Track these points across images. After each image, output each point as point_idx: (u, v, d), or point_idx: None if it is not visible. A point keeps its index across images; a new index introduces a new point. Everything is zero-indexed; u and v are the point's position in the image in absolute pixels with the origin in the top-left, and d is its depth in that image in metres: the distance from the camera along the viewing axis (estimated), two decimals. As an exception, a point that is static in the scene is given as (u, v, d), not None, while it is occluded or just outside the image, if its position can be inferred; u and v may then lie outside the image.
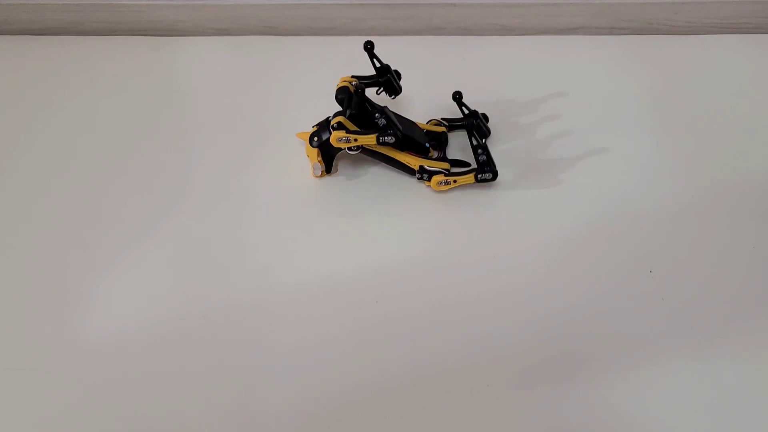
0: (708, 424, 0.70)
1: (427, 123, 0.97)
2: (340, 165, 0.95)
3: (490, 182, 0.90)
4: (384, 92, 0.94)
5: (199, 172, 0.96)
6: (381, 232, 0.88)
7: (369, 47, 0.90)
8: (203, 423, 0.73)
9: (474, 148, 0.91)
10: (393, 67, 0.93)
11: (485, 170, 0.89)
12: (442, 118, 0.98)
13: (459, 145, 0.97)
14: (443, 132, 0.95)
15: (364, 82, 0.92)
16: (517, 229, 0.87)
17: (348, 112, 0.89)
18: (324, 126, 0.90)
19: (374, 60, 0.91)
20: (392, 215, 0.89)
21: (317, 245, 0.87)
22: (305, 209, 0.91)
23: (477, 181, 0.89)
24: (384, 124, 0.87)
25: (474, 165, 0.92)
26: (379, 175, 0.93)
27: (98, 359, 0.78)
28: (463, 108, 0.94)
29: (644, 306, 0.79)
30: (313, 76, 1.04)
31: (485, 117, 0.97)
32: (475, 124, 0.94)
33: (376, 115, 0.87)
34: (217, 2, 1.17)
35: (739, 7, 1.12)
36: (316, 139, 0.90)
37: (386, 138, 0.87)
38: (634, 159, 0.94)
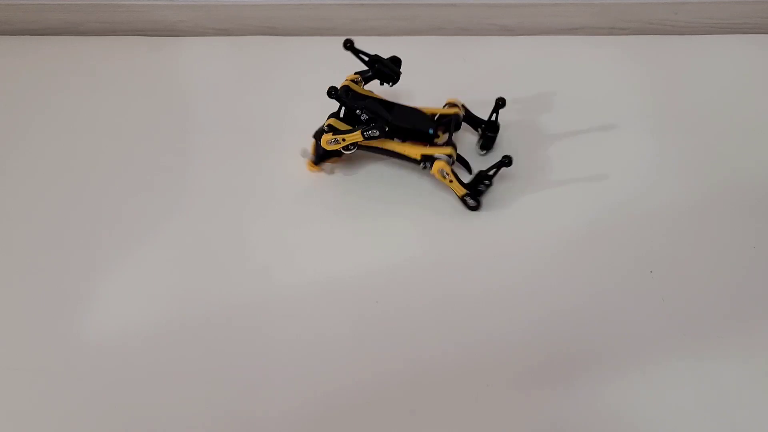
0: (708, 424, 0.70)
1: (444, 106, 0.94)
2: (340, 166, 0.95)
3: (485, 192, 0.89)
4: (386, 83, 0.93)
5: (199, 172, 0.96)
6: (381, 232, 0.88)
7: (349, 45, 0.89)
8: (203, 423, 0.73)
9: (485, 176, 0.88)
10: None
11: (475, 198, 0.88)
12: (462, 105, 0.95)
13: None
14: (455, 114, 0.91)
15: (362, 77, 0.92)
16: (517, 229, 0.87)
17: (341, 111, 0.89)
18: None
19: (360, 56, 0.91)
20: (392, 215, 0.89)
21: (317, 245, 0.87)
22: (305, 209, 0.91)
23: (460, 199, 0.88)
24: (367, 119, 0.87)
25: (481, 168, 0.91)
26: (379, 175, 0.93)
27: (98, 359, 0.78)
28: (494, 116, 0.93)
29: (644, 306, 0.79)
30: (313, 76, 1.04)
31: (496, 127, 0.96)
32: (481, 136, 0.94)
33: (357, 111, 0.87)
34: (217, 2, 1.16)
35: (739, 7, 1.12)
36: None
37: (371, 132, 0.86)
38: (634, 159, 0.94)
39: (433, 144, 0.90)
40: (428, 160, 0.87)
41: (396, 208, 0.90)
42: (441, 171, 0.86)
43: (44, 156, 1.00)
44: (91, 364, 0.78)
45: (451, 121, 0.90)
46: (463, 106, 0.95)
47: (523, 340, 0.77)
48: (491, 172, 0.87)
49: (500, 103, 0.92)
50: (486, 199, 0.90)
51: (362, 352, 0.77)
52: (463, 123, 0.96)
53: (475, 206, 0.88)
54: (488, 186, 0.88)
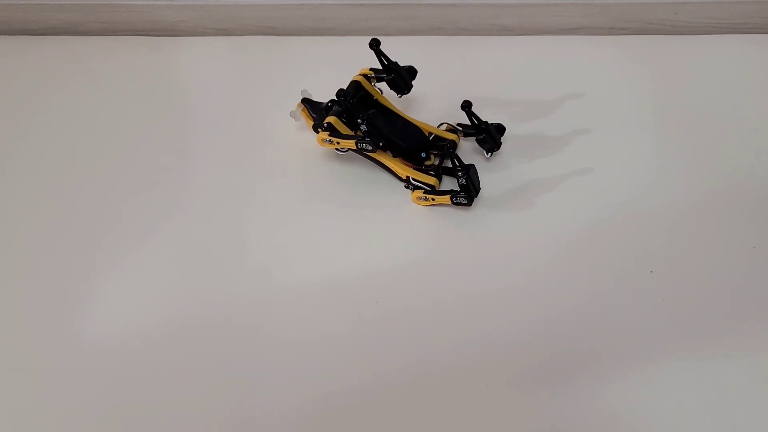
0: (708, 424, 0.70)
1: (440, 126, 0.95)
2: (340, 166, 0.95)
3: (467, 207, 0.88)
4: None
5: (199, 172, 0.96)
6: (381, 232, 0.88)
7: (375, 45, 0.90)
8: (203, 423, 0.73)
9: (455, 169, 0.86)
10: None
11: (461, 194, 0.87)
12: (458, 124, 0.96)
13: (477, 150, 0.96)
14: (451, 140, 0.90)
15: (375, 76, 0.94)
16: (517, 229, 0.87)
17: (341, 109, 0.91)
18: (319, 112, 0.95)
19: (381, 58, 0.91)
20: (393, 216, 0.89)
21: (317, 245, 0.87)
22: (305, 209, 0.91)
23: (453, 203, 0.88)
24: (365, 131, 0.88)
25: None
26: (379, 175, 0.93)
27: (98, 359, 0.78)
28: (473, 119, 0.91)
29: (644, 306, 0.79)
30: (313, 76, 1.04)
31: (500, 128, 0.96)
32: (482, 138, 0.93)
33: (358, 120, 0.88)
34: (217, 2, 1.17)
35: (739, 7, 1.12)
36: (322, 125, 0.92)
37: (364, 145, 0.88)
38: (634, 159, 0.94)
39: (422, 166, 0.91)
40: (411, 183, 0.89)
41: (396, 208, 0.90)
42: (419, 198, 0.89)
43: (44, 156, 1.00)
44: (91, 364, 0.78)
45: (445, 146, 0.88)
46: (459, 125, 0.96)
47: (523, 340, 0.77)
48: (457, 165, 0.86)
49: (466, 104, 0.90)
50: (486, 200, 0.90)
51: (362, 352, 0.77)
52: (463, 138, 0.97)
53: (468, 202, 0.88)
54: (464, 177, 0.86)
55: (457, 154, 0.86)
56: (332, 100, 0.93)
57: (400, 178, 0.91)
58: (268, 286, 0.83)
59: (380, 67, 0.93)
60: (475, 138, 0.95)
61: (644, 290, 0.80)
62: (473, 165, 0.88)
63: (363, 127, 0.88)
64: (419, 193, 0.89)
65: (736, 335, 0.76)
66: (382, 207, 0.90)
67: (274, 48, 1.14)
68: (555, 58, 1.09)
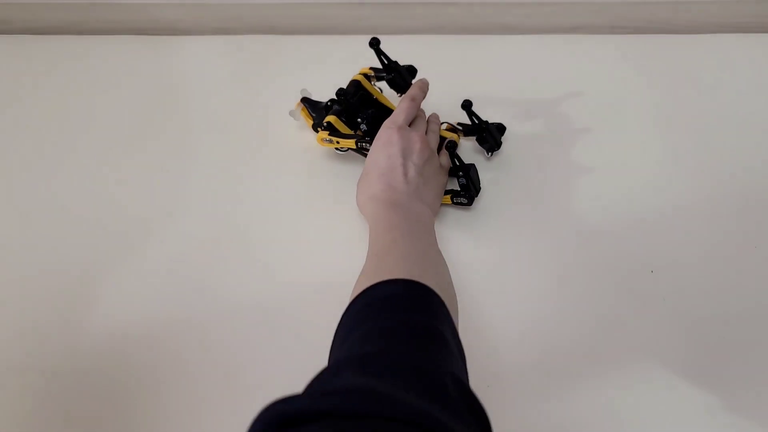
0: (709, 425, 0.70)
1: (442, 124, 0.95)
2: (340, 165, 0.95)
3: (467, 207, 0.88)
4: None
5: (199, 171, 0.96)
6: (381, 231, 0.88)
7: (375, 44, 0.90)
8: (203, 423, 0.73)
9: (456, 168, 0.86)
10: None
11: (461, 194, 0.87)
12: (458, 123, 0.96)
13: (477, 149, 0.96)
14: (451, 140, 0.89)
15: (375, 75, 0.94)
16: (517, 229, 0.87)
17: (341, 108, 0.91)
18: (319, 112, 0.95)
19: (381, 57, 0.91)
20: (392, 215, 0.89)
21: (317, 245, 0.87)
22: (306, 209, 0.91)
23: (453, 203, 0.88)
24: (365, 130, 0.88)
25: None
26: (379, 174, 0.93)
27: (98, 359, 0.78)
28: (474, 118, 0.91)
29: (645, 306, 0.79)
30: (313, 76, 1.04)
31: (501, 128, 0.96)
32: (483, 137, 0.93)
33: (358, 120, 0.88)
34: (216, 1, 1.16)
35: (740, 6, 1.12)
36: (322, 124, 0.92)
37: (364, 144, 0.88)
38: (634, 158, 0.94)
39: None
40: None
41: (396, 207, 0.90)
42: None
43: (43, 156, 1.00)
44: (91, 364, 0.78)
45: (445, 146, 0.87)
46: (459, 124, 0.95)
47: (522, 340, 0.77)
48: (458, 165, 0.86)
49: (466, 104, 0.89)
50: (486, 200, 0.90)
51: (362, 352, 0.77)
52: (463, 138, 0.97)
53: (468, 202, 0.88)
54: (465, 176, 0.86)
55: (457, 154, 0.86)
56: (332, 100, 0.93)
57: None
58: (268, 286, 0.83)
59: (380, 66, 0.93)
60: (475, 137, 0.95)
61: (644, 290, 0.80)
62: (473, 165, 0.88)
63: (363, 127, 0.88)
64: None
65: (737, 335, 0.76)
66: (382, 207, 0.90)
67: (274, 47, 1.14)
68: (555, 58, 1.09)
